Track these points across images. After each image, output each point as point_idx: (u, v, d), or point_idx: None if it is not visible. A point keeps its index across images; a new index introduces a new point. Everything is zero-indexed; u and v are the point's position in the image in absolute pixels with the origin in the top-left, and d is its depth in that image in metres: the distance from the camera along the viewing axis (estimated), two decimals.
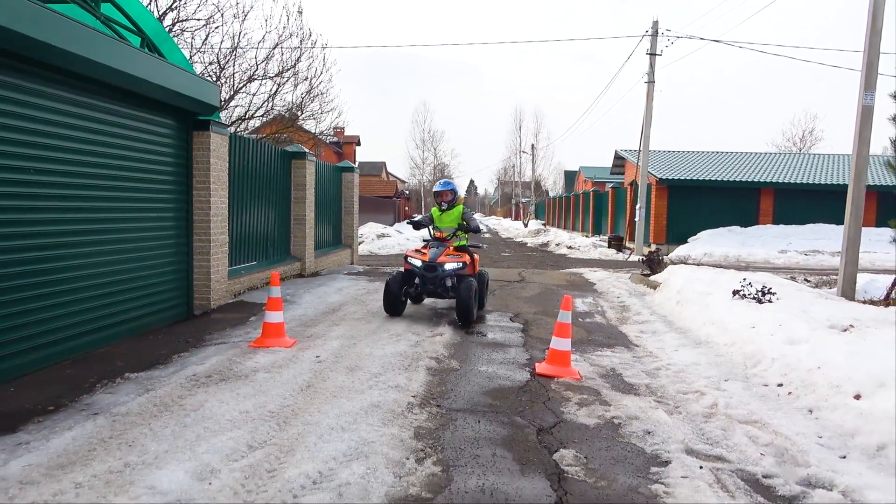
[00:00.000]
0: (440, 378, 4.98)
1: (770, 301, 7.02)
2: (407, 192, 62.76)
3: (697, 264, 14.64)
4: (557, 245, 23.96)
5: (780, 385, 4.87)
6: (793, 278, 12.12)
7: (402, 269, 7.88)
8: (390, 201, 44.52)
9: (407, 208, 56.85)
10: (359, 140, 46.82)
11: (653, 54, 20.21)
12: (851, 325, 5.73)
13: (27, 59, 4.80)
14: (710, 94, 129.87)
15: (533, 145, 57.01)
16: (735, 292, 7.47)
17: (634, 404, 4.47)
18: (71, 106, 5.44)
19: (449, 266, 7.40)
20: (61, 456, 3.21)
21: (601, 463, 3.45)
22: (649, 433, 3.92)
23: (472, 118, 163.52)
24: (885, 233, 10.39)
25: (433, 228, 8.10)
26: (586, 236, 27.79)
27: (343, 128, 25.86)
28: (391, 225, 33.23)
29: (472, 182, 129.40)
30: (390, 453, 3.35)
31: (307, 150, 12.20)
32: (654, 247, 19.24)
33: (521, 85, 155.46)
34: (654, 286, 10.49)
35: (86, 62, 5.17)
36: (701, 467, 3.41)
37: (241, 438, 3.48)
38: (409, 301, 8.04)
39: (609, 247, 21.31)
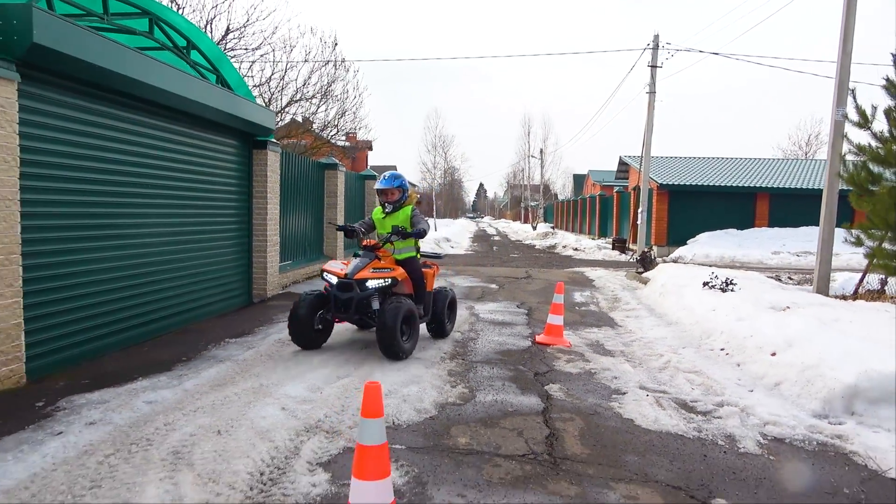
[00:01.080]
0: (462, 344, 6.53)
1: (732, 290, 8.50)
2: (418, 196, 64.14)
3: (686, 263, 16.02)
4: (564, 247, 25.37)
5: (722, 349, 6.36)
6: (777, 277, 13.48)
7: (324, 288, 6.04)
8: None
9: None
10: (371, 145, 48.39)
11: (653, 66, 21.49)
12: (788, 307, 7.21)
13: (153, 103, 6.45)
14: (714, 102, 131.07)
15: (542, 150, 58.46)
16: (705, 283, 8.95)
17: (609, 361, 5.98)
18: (173, 134, 7.07)
19: (371, 283, 5.67)
20: (214, 381, 4.79)
21: (577, 391, 4.97)
22: (616, 378, 5.43)
23: (483, 122, 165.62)
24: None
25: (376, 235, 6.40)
26: (592, 239, 29.18)
27: (355, 132, 27.34)
28: None
29: (481, 185, 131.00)
30: (433, 382, 4.94)
31: (338, 162, 13.84)
32: (654, 248, 20.67)
33: (530, 87, 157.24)
34: (645, 282, 11.96)
35: (191, 103, 6.81)
36: (647, 395, 4.92)
37: (330, 373, 5.08)
38: (354, 327, 6.77)
39: (613, 249, 22.66)
